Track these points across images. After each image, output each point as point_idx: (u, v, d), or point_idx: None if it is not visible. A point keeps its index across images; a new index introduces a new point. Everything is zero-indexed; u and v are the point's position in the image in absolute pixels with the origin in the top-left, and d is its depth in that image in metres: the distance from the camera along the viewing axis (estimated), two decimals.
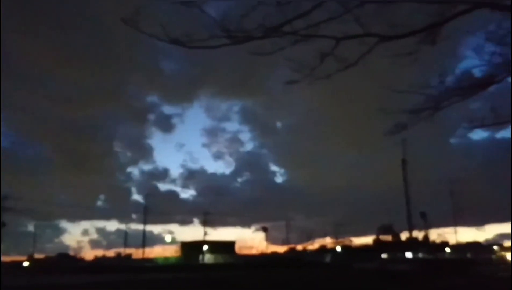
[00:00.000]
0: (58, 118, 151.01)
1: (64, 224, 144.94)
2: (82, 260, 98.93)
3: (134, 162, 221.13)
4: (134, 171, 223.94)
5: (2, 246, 63.39)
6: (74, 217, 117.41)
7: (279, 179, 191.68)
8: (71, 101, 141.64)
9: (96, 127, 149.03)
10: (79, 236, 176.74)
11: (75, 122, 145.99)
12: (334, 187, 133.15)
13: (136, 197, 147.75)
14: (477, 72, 8.37)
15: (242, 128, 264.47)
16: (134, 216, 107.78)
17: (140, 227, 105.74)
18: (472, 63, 8.40)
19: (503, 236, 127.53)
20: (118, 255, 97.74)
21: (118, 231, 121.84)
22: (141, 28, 6.95)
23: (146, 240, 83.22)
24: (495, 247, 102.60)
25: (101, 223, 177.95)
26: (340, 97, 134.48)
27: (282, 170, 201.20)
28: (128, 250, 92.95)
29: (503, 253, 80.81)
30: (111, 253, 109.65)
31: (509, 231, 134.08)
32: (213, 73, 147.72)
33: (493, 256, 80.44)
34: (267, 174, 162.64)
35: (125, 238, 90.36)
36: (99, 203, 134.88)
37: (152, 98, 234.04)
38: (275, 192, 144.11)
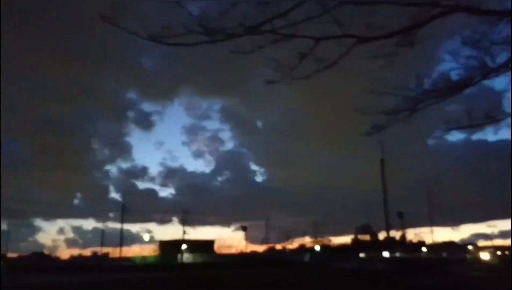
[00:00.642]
0: (34, 114, 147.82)
1: (39, 222, 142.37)
2: (57, 259, 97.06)
3: (112, 160, 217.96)
4: (112, 169, 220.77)
5: None
6: (50, 216, 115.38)
7: (259, 178, 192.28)
8: (47, 97, 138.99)
9: (74, 124, 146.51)
10: (54, 235, 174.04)
11: (52, 119, 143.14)
12: (314, 187, 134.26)
13: (114, 195, 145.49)
14: (453, 75, 8.52)
15: (222, 127, 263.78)
16: (111, 214, 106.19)
17: (117, 226, 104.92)
18: (449, 66, 8.55)
19: (477, 235, 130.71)
20: (95, 255, 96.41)
21: (95, 230, 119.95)
22: (119, 24, 6.86)
23: (124, 239, 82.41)
24: (470, 247, 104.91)
25: (77, 222, 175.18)
26: (320, 97, 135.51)
27: (262, 170, 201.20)
28: (105, 249, 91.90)
29: (477, 252, 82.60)
30: (87, 252, 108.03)
31: (482, 231, 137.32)
32: (194, 71, 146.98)
33: (468, 256, 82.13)
34: (247, 173, 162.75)
35: (102, 237, 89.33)
36: (75, 201, 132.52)
37: (132, 95, 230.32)
38: (255, 191, 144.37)
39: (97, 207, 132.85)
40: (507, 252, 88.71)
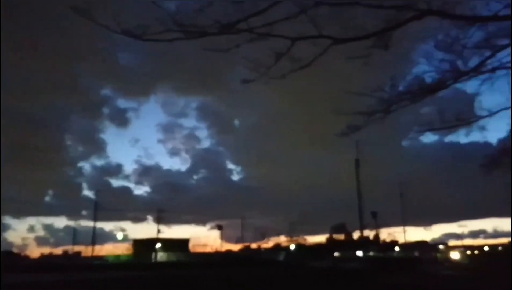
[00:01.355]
0: (4, 108, 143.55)
1: (7, 220, 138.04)
2: (26, 258, 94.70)
3: (86, 157, 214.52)
4: (85, 166, 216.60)
5: None
6: (19, 213, 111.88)
7: (235, 177, 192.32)
8: (18, 91, 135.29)
9: (46, 119, 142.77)
10: (24, 233, 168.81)
11: (22, 113, 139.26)
12: (290, 186, 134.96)
13: (87, 193, 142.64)
14: (427, 78, 8.66)
15: (199, 125, 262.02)
16: (84, 212, 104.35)
17: (90, 224, 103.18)
18: (423, 69, 8.69)
19: (448, 235, 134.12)
20: (66, 253, 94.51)
21: (66, 228, 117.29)
22: (92, 18, 6.72)
23: (97, 237, 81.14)
24: (441, 246, 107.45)
25: (48, 220, 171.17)
26: (298, 97, 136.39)
27: (239, 168, 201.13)
28: (77, 248, 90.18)
29: (448, 252, 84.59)
30: (58, 251, 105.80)
31: (453, 230, 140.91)
32: (171, 68, 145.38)
33: (439, 255, 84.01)
34: (224, 172, 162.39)
35: (74, 235, 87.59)
36: (47, 198, 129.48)
37: (107, 91, 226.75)
38: (231, 190, 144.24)
39: (70, 204, 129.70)
40: (476, 252, 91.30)
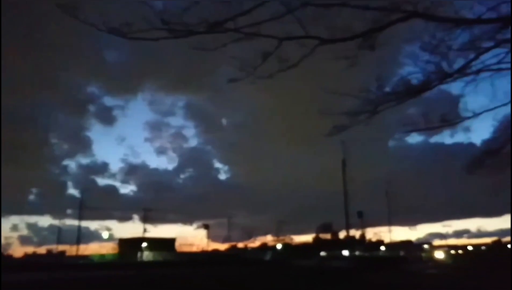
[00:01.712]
0: None
1: None
2: (10, 257, 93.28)
3: (71, 155, 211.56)
4: (70, 164, 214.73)
5: None
6: (3, 212, 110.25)
7: (222, 176, 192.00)
8: (2, 88, 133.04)
9: (31, 117, 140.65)
10: (7, 232, 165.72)
11: (7, 110, 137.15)
12: (277, 186, 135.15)
13: (72, 191, 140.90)
14: (413, 79, 8.75)
15: (186, 124, 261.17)
16: (69, 211, 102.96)
17: (75, 223, 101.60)
18: (409, 70, 8.77)
19: (433, 235, 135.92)
20: (50, 252, 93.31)
21: (51, 227, 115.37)
22: (78, 15, 6.65)
23: (82, 236, 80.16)
24: (425, 246, 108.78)
25: (32, 218, 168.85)
26: (285, 97, 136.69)
27: (226, 167, 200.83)
28: (61, 247, 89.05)
29: (432, 251, 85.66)
30: (42, 250, 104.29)
31: (438, 230, 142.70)
32: (159, 66, 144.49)
33: (423, 254, 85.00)
34: (211, 171, 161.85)
35: (59, 234, 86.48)
36: (31, 197, 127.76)
37: (93, 89, 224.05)
38: (218, 189, 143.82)
39: (54, 203, 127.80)
40: (460, 251, 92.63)
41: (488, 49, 8.13)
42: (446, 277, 30.59)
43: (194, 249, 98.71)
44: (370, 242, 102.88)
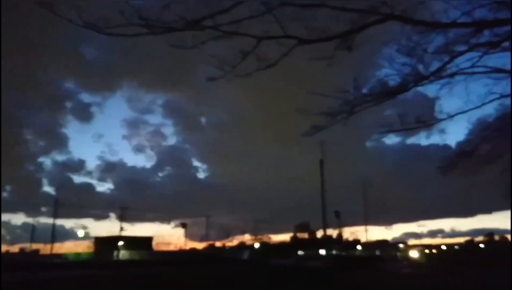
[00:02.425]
0: None
1: None
2: None
3: (47, 152, 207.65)
4: (46, 161, 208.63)
5: None
6: None
7: (201, 175, 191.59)
8: None
9: (4, 112, 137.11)
10: None
11: None
12: (255, 185, 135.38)
13: (47, 189, 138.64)
14: (390, 81, 8.88)
15: (165, 122, 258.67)
16: (44, 209, 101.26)
17: (50, 221, 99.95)
18: (386, 72, 8.90)
19: (408, 234, 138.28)
20: (23, 251, 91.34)
21: (25, 224, 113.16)
22: (54, 9, 6.53)
23: (57, 235, 78.91)
24: (401, 245, 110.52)
25: (5, 216, 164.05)
26: (265, 96, 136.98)
27: (205, 166, 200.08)
28: (35, 246, 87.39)
29: (407, 250, 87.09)
30: (15, 248, 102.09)
31: (413, 230, 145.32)
32: (138, 64, 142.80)
33: (399, 254, 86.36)
34: (189, 170, 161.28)
35: (32, 233, 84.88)
36: (4, 194, 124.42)
37: (70, 85, 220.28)
38: (197, 188, 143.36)
39: (29, 201, 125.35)
40: (434, 251, 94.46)
41: (462, 53, 8.32)
42: (420, 277, 31.16)
43: (172, 248, 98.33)
44: (347, 241, 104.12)
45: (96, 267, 45.71)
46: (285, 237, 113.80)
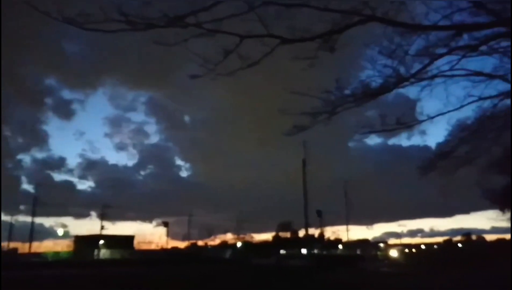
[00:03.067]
0: None
1: None
2: None
3: (26, 149, 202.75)
4: (25, 158, 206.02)
5: None
6: None
7: (184, 174, 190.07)
8: None
9: None
10: None
11: None
12: (238, 184, 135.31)
13: (26, 186, 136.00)
14: (372, 82, 8.97)
15: (148, 120, 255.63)
16: (22, 207, 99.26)
17: (29, 219, 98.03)
18: (368, 73, 8.99)
19: (389, 234, 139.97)
20: (1, 250, 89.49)
21: (2, 223, 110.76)
22: (34, 4, 6.41)
23: (36, 233, 77.56)
24: (381, 245, 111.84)
25: None
26: (248, 95, 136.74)
27: (188, 165, 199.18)
28: (13, 244, 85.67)
29: (387, 250, 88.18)
30: None
31: (393, 229, 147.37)
32: (120, 61, 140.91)
33: (379, 253, 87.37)
34: (172, 168, 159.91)
35: (10, 231, 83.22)
36: None
37: (51, 81, 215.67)
38: (179, 186, 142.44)
39: (7, 198, 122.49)
40: (413, 250, 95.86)
41: (441, 56, 8.47)
42: (398, 276, 31.59)
43: (153, 247, 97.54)
44: (328, 240, 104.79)
45: (75, 266, 45.12)
46: (268, 236, 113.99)
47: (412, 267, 40.59)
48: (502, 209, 31.98)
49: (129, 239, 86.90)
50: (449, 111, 9.96)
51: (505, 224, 36.72)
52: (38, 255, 75.20)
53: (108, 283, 26.11)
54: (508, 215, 33.02)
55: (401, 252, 74.20)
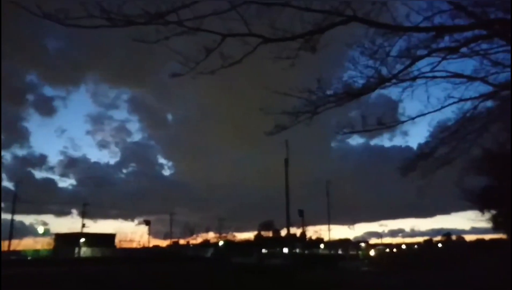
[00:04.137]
0: None
1: None
2: None
3: (6, 146, 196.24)
4: (6, 155, 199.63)
5: None
6: None
7: (166, 172, 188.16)
8: None
9: None
10: None
11: None
12: (221, 183, 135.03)
13: (6, 184, 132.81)
14: (354, 82, 9.02)
15: (130, 118, 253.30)
16: (2, 204, 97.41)
17: (8, 216, 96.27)
18: (350, 73, 9.04)
19: (370, 234, 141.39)
20: None
21: None
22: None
23: (15, 231, 76.06)
24: (362, 244, 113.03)
25: None
26: (231, 94, 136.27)
27: (170, 163, 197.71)
28: None
29: (368, 249, 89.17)
30: None
31: (375, 229, 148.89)
32: (103, 58, 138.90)
33: (360, 252, 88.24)
34: (154, 166, 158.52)
35: None
36: None
37: (32, 77, 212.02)
38: (162, 185, 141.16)
39: None
40: (394, 249, 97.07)
41: (422, 57, 8.56)
42: (377, 275, 32.01)
43: (135, 245, 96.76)
44: (310, 240, 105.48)
45: (55, 264, 44.44)
46: (250, 235, 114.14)
47: (391, 266, 41.11)
48: (481, 210, 32.64)
49: (110, 237, 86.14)
50: (429, 112, 10.10)
51: (484, 224, 37.44)
52: (17, 253, 73.95)
53: (87, 281, 25.81)
54: (487, 216, 33.74)
55: (382, 252, 75.12)
